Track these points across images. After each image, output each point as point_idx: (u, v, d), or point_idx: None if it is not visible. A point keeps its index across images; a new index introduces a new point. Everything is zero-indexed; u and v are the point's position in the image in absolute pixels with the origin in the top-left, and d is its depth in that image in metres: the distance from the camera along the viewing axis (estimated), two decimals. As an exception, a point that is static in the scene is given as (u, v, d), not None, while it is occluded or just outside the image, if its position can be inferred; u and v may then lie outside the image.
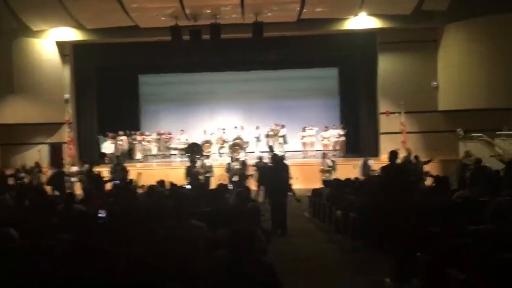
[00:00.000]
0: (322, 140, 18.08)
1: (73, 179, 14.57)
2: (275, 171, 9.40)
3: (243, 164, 15.02)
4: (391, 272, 5.40)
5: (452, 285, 4.01)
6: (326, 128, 18.15)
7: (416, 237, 4.96)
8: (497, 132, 15.63)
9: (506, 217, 5.10)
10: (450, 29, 16.68)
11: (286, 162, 12.11)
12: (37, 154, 17.05)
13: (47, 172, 14.67)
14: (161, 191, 7.30)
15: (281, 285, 3.59)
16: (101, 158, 17.99)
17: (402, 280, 5.17)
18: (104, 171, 14.24)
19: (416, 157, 13.49)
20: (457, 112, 16.71)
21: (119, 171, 14.11)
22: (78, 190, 13.55)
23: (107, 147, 17.86)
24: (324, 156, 15.14)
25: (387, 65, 17.52)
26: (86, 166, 14.02)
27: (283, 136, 17.95)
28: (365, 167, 13.81)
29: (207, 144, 17.39)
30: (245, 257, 3.36)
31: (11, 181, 13.26)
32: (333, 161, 14.80)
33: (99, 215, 4.79)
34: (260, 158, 14.16)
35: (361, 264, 6.52)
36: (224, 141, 18.09)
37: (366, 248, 7.12)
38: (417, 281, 4.77)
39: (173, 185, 9.17)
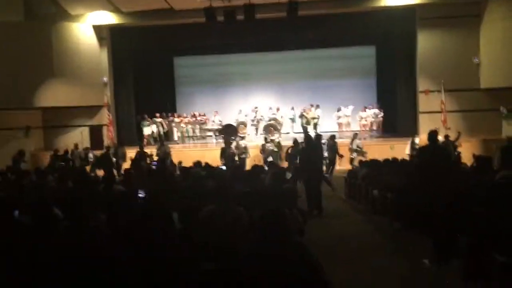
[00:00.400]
0: (360, 120, 17.82)
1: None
2: (309, 151, 9.24)
3: (278, 145, 15.03)
4: (430, 254, 5.30)
5: (493, 268, 3.91)
6: (364, 108, 17.85)
7: (456, 219, 4.85)
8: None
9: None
10: (493, 3, 15.96)
11: (325, 141, 12.12)
12: (78, 136, 17.57)
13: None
14: (197, 172, 7.37)
15: (319, 266, 3.58)
16: (139, 140, 18.35)
17: (441, 262, 5.07)
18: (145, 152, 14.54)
19: (446, 137, 13.15)
20: (500, 90, 16.09)
21: (164, 152, 14.46)
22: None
23: (147, 129, 18.20)
24: (354, 136, 14.86)
25: (426, 42, 16.99)
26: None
27: (317, 118, 17.78)
28: (413, 145, 13.67)
29: (242, 126, 17.42)
30: (275, 239, 3.36)
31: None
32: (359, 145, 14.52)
33: (139, 195, 4.88)
34: (295, 140, 14.00)
35: (400, 246, 6.43)
36: (258, 122, 18.12)
37: (405, 229, 7.02)
38: (457, 263, 4.67)
39: (208, 166, 9.26)
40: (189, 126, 18.87)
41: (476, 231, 4.38)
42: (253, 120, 18.26)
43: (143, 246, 3.58)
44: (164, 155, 14.29)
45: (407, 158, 13.32)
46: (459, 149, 13.11)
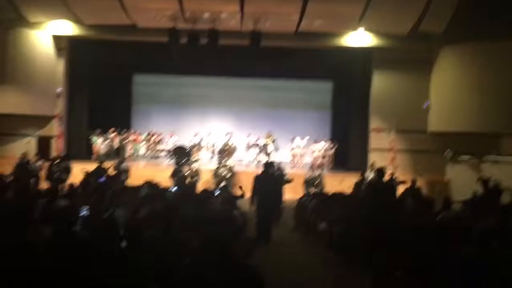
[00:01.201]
0: (313, 153, 18.13)
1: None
2: (268, 180, 9.14)
3: (231, 170, 15.00)
4: (370, 289, 5.41)
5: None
6: (317, 141, 18.21)
7: (397, 256, 4.99)
8: (486, 156, 15.82)
9: (491, 243, 5.15)
10: (445, 52, 16.85)
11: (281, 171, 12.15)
12: (25, 146, 16.89)
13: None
14: (143, 191, 7.21)
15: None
16: (88, 154, 17.88)
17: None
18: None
19: (392, 175, 13.60)
20: (447, 134, 16.87)
21: (123, 169, 14.13)
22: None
23: (96, 143, 17.76)
24: (312, 167, 15.11)
25: (381, 83, 17.66)
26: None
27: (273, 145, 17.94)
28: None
29: (195, 148, 17.33)
30: (218, 265, 3.37)
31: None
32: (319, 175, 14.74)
33: (81, 213, 4.73)
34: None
35: (341, 280, 6.51)
36: (212, 146, 18.12)
37: (348, 263, 7.13)
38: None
39: (157, 186, 9.10)
40: (143, 144, 18.60)
41: (415, 268, 4.52)
42: (208, 144, 18.21)
43: (81, 265, 3.47)
44: (122, 172, 14.02)
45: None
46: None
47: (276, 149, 17.92)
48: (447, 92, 16.74)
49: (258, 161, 18.05)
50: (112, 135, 18.07)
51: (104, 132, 17.89)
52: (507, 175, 14.06)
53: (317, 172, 14.78)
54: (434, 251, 4.95)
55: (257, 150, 18.14)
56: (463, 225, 6.83)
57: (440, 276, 4.19)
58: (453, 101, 16.56)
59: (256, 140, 18.18)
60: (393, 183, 12.70)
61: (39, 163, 14.27)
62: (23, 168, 13.65)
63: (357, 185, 10.45)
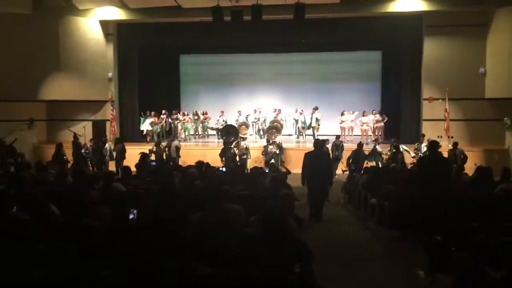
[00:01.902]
0: (362, 126, 17.79)
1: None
2: (313, 158, 8.81)
3: (280, 147, 15.03)
4: (425, 265, 5.30)
5: (487, 284, 3.90)
6: (366, 113, 17.82)
7: (453, 231, 4.84)
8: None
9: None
10: (501, 13, 15.89)
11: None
12: (81, 131, 17.61)
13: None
14: (193, 173, 7.35)
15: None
16: (142, 136, 18.40)
17: (435, 275, 5.06)
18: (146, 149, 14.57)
19: (455, 144, 13.15)
20: (505, 100, 16.02)
21: (173, 150, 14.55)
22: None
23: (146, 125, 18.19)
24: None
25: (433, 50, 16.93)
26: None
27: (314, 120, 17.73)
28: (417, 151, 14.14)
29: (244, 126, 17.40)
30: (275, 235, 3.41)
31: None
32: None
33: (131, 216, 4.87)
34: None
35: (396, 255, 6.42)
36: (261, 123, 18.15)
37: (402, 238, 7.01)
38: (451, 277, 4.66)
39: (207, 167, 9.25)
40: (192, 124, 18.91)
41: (471, 245, 4.37)
42: (255, 121, 18.25)
43: (141, 247, 3.60)
44: (174, 151, 14.47)
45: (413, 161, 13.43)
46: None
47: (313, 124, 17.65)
48: (504, 56, 15.83)
49: (299, 136, 18.00)
50: (163, 116, 18.45)
51: (155, 113, 18.27)
52: None
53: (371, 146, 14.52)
54: (490, 225, 4.77)
55: (299, 125, 18.03)
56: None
57: (499, 252, 4.03)
58: (510, 65, 15.66)
59: (300, 115, 18.02)
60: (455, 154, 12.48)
61: (95, 146, 14.88)
62: (78, 151, 14.31)
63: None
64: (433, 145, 7.31)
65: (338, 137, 14.76)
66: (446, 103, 16.18)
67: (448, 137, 15.80)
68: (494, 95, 16.27)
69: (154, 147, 14.68)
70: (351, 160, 12.82)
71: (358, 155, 13.18)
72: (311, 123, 17.57)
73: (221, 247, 3.91)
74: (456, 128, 16.19)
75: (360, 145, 13.43)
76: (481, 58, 16.48)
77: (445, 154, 12.50)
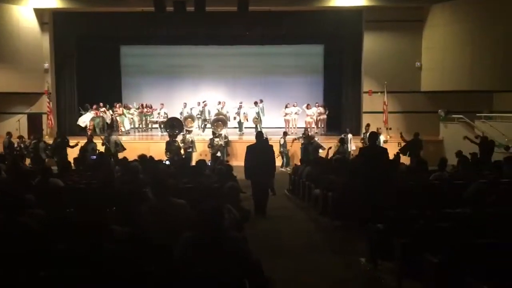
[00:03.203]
0: (305, 118, 18.08)
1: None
2: (258, 150, 8.52)
3: (226, 139, 15.00)
4: (367, 253, 5.47)
5: (426, 269, 4.07)
6: (309, 106, 18.12)
7: (392, 219, 5.02)
8: (478, 114, 15.88)
9: (483, 201, 5.20)
10: (436, 9, 16.64)
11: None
12: (15, 124, 16.76)
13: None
14: (135, 166, 7.17)
15: (256, 262, 3.62)
16: (80, 130, 17.72)
17: (377, 261, 5.25)
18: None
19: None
20: (439, 93, 16.84)
21: (113, 144, 14.05)
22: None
23: (85, 119, 17.52)
24: (284, 134, 15.42)
25: (372, 44, 17.45)
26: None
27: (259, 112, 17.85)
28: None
29: (189, 119, 17.18)
30: (211, 233, 3.37)
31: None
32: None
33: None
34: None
35: (338, 244, 6.59)
36: (205, 115, 18.00)
37: (344, 228, 7.21)
38: (392, 263, 4.84)
39: (150, 160, 9.08)
40: (135, 117, 18.47)
41: (410, 231, 4.56)
42: (200, 114, 18.07)
43: (80, 244, 3.46)
44: (115, 146, 14.00)
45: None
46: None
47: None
48: (439, 51, 16.62)
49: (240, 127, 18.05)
50: (103, 109, 17.86)
51: (94, 106, 17.65)
52: (499, 132, 14.18)
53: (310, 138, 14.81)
54: (428, 212, 4.99)
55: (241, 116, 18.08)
56: (457, 185, 6.90)
57: (436, 237, 4.22)
58: (445, 59, 16.48)
59: (239, 108, 18.03)
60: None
61: (32, 141, 14.17)
62: (11, 147, 13.58)
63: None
64: (372, 136, 7.54)
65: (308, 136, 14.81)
66: (385, 96, 16.76)
67: (387, 128, 16.42)
68: (429, 88, 17.04)
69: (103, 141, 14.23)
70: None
71: (307, 148, 13.58)
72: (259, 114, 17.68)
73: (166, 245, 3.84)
74: (394, 120, 16.82)
75: (309, 137, 13.80)
76: (417, 53, 17.19)
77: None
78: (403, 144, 13.72)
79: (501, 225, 4.35)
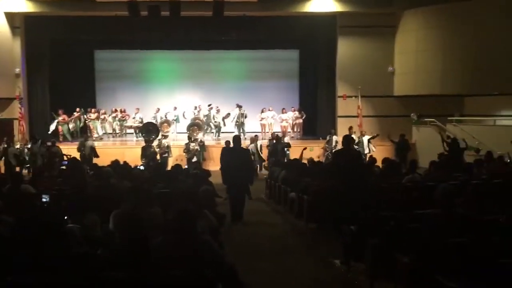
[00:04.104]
0: (281, 122, 18.16)
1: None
2: (234, 153, 8.50)
3: (202, 144, 14.96)
4: (341, 255, 5.53)
5: (397, 269, 4.15)
6: (284, 110, 18.22)
7: (366, 221, 5.09)
8: (449, 118, 16.23)
9: (452, 202, 5.30)
10: (408, 15, 17.00)
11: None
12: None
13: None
14: (109, 172, 7.09)
15: (230, 265, 3.62)
16: (53, 135, 17.36)
17: (350, 263, 5.31)
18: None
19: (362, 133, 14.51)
20: (412, 97, 17.16)
21: (88, 149, 13.87)
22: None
23: (55, 125, 17.16)
24: (254, 140, 14.82)
25: (346, 49, 17.68)
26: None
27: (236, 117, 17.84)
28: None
29: (165, 124, 17.04)
30: (184, 238, 3.36)
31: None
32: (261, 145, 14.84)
33: (43, 199, 4.61)
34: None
35: (313, 246, 6.64)
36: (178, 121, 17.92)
37: (319, 230, 7.27)
38: (365, 264, 4.90)
39: (122, 166, 8.98)
40: (110, 122, 18.21)
41: (382, 233, 4.63)
42: (174, 119, 17.92)
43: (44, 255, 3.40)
44: (90, 151, 13.83)
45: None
46: (373, 153, 13.87)
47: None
48: (411, 56, 16.97)
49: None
50: (76, 114, 17.55)
51: (67, 111, 17.34)
52: (470, 135, 14.51)
53: (286, 142, 14.91)
54: (399, 213, 5.08)
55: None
56: (428, 186, 7.03)
57: (407, 238, 4.30)
58: (417, 64, 16.83)
59: (217, 113, 17.94)
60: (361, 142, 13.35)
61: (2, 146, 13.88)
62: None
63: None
64: (346, 140, 7.61)
65: (277, 138, 14.69)
66: (359, 100, 16.99)
67: (361, 132, 16.61)
68: (402, 92, 17.37)
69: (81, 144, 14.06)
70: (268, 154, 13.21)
71: (275, 148, 13.71)
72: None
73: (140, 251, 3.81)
74: (368, 124, 17.05)
75: (277, 138, 13.92)
76: (390, 58, 17.51)
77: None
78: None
79: (469, 225, 4.45)
